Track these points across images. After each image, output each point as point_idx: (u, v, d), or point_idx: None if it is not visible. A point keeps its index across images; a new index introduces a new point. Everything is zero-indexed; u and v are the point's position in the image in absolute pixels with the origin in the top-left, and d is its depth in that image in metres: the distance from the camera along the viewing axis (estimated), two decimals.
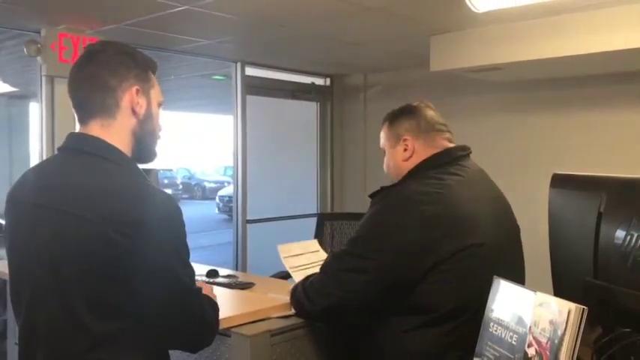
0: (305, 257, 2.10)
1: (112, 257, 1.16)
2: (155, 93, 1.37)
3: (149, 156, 1.39)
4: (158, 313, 1.24)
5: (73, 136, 1.33)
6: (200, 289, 1.39)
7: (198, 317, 1.33)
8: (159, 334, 1.28)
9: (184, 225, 1.27)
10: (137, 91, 1.32)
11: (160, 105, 1.40)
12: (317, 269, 2.01)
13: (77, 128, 1.34)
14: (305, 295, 1.71)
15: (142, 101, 1.32)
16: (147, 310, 1.21)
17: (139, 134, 1.33)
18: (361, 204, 1.85)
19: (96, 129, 1.29)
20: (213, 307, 1.45)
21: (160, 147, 1.42)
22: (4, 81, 6.68)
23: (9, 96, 8.20)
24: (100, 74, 1.29)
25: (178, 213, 1.26)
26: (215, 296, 1.54)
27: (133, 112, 1.32)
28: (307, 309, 1.71)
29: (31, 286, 1.27)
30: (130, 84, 1.31)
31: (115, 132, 1.30)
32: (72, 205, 1.20)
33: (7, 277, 2.38)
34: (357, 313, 1.72)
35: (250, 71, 4.56)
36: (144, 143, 1.35)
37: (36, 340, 1.27)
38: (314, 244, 2.21)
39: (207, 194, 19.02)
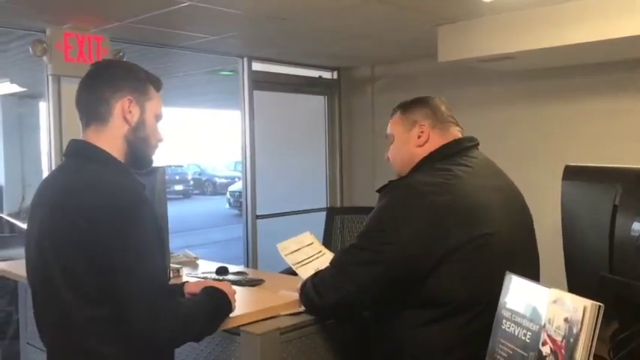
0: (302, 252, 2.08)
1: (79, 241, 1.29)
2: (151, 105, 1.49)
3: (143, 161, 1.52)
4: (119, 301, 1.30)
5: (71, 143, 1.49)
6: (166, 287, 1.42)
7: (150, 312, 1.32)
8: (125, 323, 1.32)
9: (146, 219, 1.33)
10: (130, 100, 1.45)
11: (157, 118, 1.52)
12: (317, 262, 2.00)
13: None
14: (315, 290, 1.70)
15: (134, 110, 1.45)
16: (116, 298, 1.30)
17: (131, 140, 1.46)
18: (370, 197, 1.83)
19: (91, 134, 1.45)
20: (192, 313, 1.42)
21: (158, 152, 1.55)
22: (13, 81, 6.72)
23: (19, 96, 8.26)
24: (97, 86, 1.45)
25: (134, 205, 1.33)
26: (235, 300, 1.60)
27: (125, 119, 1.45)
28: (317, 305, 1.70)
29: (31, 273, 1.44)
30: (123, 94, 1.44)
31: (107, 137, 1.44)
32: (56, 199, 1.38)
33: (18, 279, 2.43)
34: (368, 306, 1.71)
35: (257, 66, 4.54)
36: (137, 149, 1.48)
37: (40, 325, 1.46)
38: (307, 236, 2.19)
39: (218, 190, 19.15)
